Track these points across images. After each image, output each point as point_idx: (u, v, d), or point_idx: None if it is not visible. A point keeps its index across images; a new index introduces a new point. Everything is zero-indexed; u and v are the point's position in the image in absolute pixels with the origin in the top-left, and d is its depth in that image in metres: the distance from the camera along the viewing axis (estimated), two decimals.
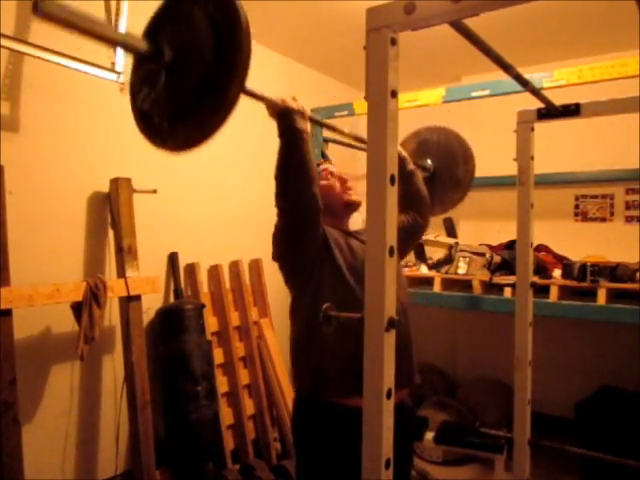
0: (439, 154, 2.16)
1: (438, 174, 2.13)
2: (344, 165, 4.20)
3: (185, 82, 1.09)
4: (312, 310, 1.52)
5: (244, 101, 3.74)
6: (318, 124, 1.68)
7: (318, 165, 1.79)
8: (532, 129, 1.82)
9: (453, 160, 2.14)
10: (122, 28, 2.56)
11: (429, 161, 2.13)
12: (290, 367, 1.72)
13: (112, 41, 1.49)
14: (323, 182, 1.70)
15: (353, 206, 1.75)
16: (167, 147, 1.21)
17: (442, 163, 2.14)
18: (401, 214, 1.80)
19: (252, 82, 3.72)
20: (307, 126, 1.51)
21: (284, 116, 1.49)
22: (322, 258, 1.56)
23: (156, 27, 1.16)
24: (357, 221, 2.03)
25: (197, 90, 1.07)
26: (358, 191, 1.71)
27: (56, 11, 0.89)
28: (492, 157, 3.14)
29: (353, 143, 2.02)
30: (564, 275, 2.94)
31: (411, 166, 1.87)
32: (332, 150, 4.03)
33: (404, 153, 1.87)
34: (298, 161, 1.47)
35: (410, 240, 1.83)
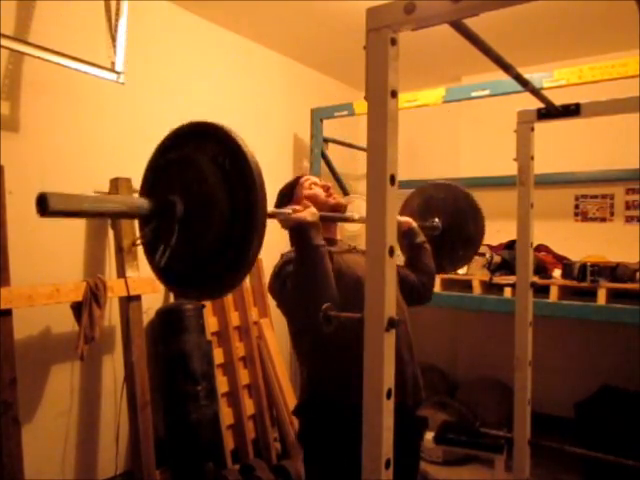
0: (446, 211, 2.11)
1: (447, 232, 2.08)
2: (344, 165, 4.23)
3: (201, 237, 1.02)
4: (322, 347, 1.52)
5: (246, 100, 3.72)
6: (331, 219, 1.67)
7: (298, 178, 1.80)
8: (532, 129, 1.82)
9: (462, 217, 2.09)
10: (122, 28, 2.56)
11: (437, 220, 2.09)
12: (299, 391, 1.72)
13: (119, 215, 1.45)
14: (307, 192, 1.71)
15: (338, 209, 1.74)
16: (190, 297, 1.17)
17: (450, 221, 2.09)
18: (411, 273, 1.82)
19: (252, 82, 3.72)
20: (321, 238, 1.44)
21: (299, 232, 1.43)
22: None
23: (156, 179, 1.10)
24: (360, 208, 2.04)
25: (215, 245, 1.01)
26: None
27: (63, 206, 0.87)
28: (492, 157, 3.14)
29: (354, 144, 2.01)
30: (564, 275, 2.94)
31: (421, 238, 1.87)
32: (332, 150, 4.03)
33: (414, 224, 1.88)
34: (316, 278, 1.40)
35: (410, 298, 1.79)
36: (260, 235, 1.00)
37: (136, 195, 1.14)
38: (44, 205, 0.83)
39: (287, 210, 1.44)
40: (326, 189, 1.76)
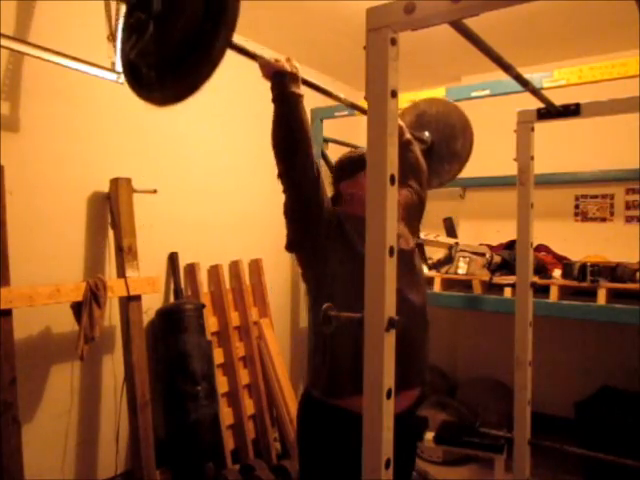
0: (437, 126, 2.14)
1: (436, 146, 2.12)
2: None
3: (172, 33, 1.08)
4: (329, 301, 1.50)
5: (246, 100, 3.73)
6: (312, 87, 1.66)
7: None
8: (532, 129, 1.82)
9: (451, 132, 2.13)
10: (121, 28, 2.56)
11: (427, 133, 2.11)
12: (305, 364, 1.70)
13: None
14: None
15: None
16: (153, 99, 1.20)
17: (440, 135, 2.13)
18: (403, 188, 1.80)
19: (252, 82, 3.71)
20: (301, 89, 1.51)
21: (278, 79, 1.50)
22: (338, 245, 1.52)
23: None
24: None
25: (184, 41, 1.07)
26: (353, 186, 1.70)
27: None
28: (492, 157, 3.14)
29: (354, 144, 2.01)
30: (564, 275, 2.94)
31: (408, 135, 1.88)
32: (332, 150, 4.03)
33: (401, 122, 1.86)
34: (294, 126, 1.47)
35: (418, 214, 1.83)
36: (229, 29, 1.07)
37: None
38: None
39: (270, 58, 1.51)
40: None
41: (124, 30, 1.21)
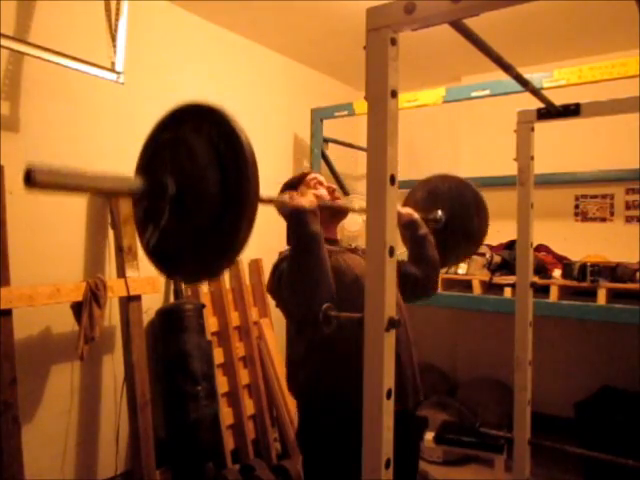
0: (451, 204, 2.07)
1: (450, 225, 2.04)
2: (344, 165, 4.23)
3: (191, 218, 1.01)
4: (320, 346, 1.51)
5: (246, 100, 3.71)
6: (330, 209, 1.66)
7: (305, 174, 1.78)
8: (532, 129, 1.82)
9: (466, 212, 2.05)
10: (122, 28, 2.56)
11: (439, 212, 2.04)
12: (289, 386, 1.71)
13: (109, 191, 1.45)
14: (312, 191, 1.67)
15: (340, 214, 1.74)
16: (175, 278, 1.18)
17: (454, 214, 2.05)
18: (412, 266, 1.79)
19: (252, 82, 3.72)
20: (318, 225, 1.40)
21: (295, 218, 1.39)
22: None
23: (150, 159, 1.10)
24: (354, 222, 2.02)
25: (205, 229, 1.00)
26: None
27: (48, 179, 0.83)
28: (492, 157, 3.14)
29: (354, 144, 2.01)
30: (564, 275, 2.94)
31: (423, 230, 1.83)
32: (332, 150, 4.03)
33: (416, 216, 1.84)
34: (313, 267, 1.37)
35: (412, 292, 1.78)
36: (250, 219, 0.99)
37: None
38: (31, 177, 0.80)
39: (284, 197, 1.43)
40: (331, 191, 1.73)
41: (139, 220, 1.14)
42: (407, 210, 1.85)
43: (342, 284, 1.48)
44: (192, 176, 1.00)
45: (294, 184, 1.75)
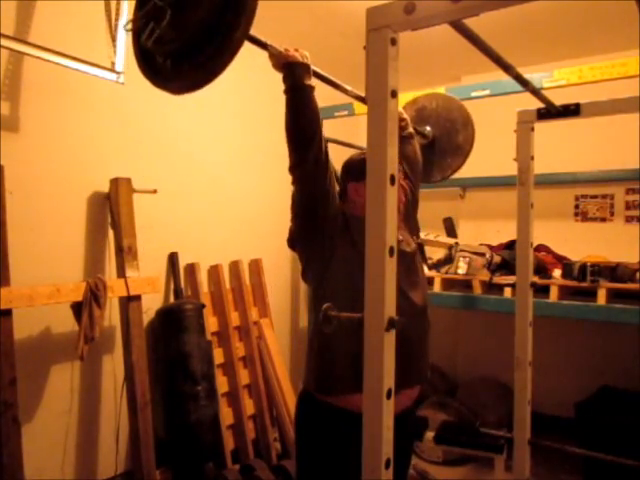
0: (438, 121, 2.16)
1: (437, 140, 2.13)
2: None
3: (191, 20, 1.06)
4: (330, 300, 1.50)
5: (246, 100, 3.72)
6: (322, 79, 1.67)
7: None
8: (532, 129, 1.82)
9: (452, 126, 2.15)
10: (122, 28, 2.56)
11: (428, 127, 2.12)
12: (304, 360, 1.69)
13: None
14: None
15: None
16: (169, 88, 1.18)
17: (441, 129, 2.14)
18: (403, 180, 1.79)
19: (252, 82, 3.72)
20: (312, 79, 1.50)
21: (291, 70, 1.47)
22: (341, 245, 1.52)
23: None
24: None
25: (202, 31, 1.05)
26: (360, 192, 1.69)
27: None
28: (492, 157, 3.14)
29: (354, 144, 2.02)
30: (564, 275, 2.94)
31: (410, 129, 1.89)
32: (332, 150, 4.02)
33: (405, 115, 1.89)
34: (308, 117, 1.47)
35: (414, 211, 1.83)
36: (248, 19, 1.04)
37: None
38: None
39: (280, 48, 1.48)
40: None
41: (137, 19, 1.18)
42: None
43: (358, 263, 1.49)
44: None
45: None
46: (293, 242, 1.62)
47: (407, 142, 1.86)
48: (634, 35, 2.77)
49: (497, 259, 3.24)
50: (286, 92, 1.48)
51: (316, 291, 1.61)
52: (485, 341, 3.99)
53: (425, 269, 3.46)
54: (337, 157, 4.69)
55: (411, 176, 1.85)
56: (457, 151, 2.15)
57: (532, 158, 1.82)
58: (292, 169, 1.51)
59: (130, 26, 1.17)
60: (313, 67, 1.53)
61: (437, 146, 2.12)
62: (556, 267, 3.14)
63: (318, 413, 1.55)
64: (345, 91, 1.71)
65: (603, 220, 3.75)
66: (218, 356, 3.11)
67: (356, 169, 1.71)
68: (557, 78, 2.80)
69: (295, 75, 1.45)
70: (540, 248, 3.40)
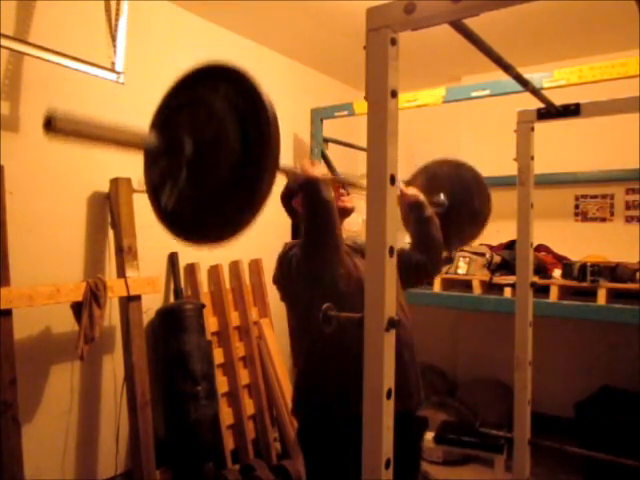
0: (451, 187, 2.08)
1: (453, 208, 2.05)
2: (344, 165, 4.23)
3: (209, 178, 0.99)
4: (318, 337, 1.49)
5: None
6: (340, 183, 1.65)
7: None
8: (532, 129, 1.82)
9: (467, 192, 2.06)
10: (122, 28, 2.56)
11: (442, 196, 2.05)
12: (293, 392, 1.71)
13: (125, 143, 1.41)
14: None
15: (346, 212, 1.72)
16: (195, 243, 1.13)
17: (456, 197, 2.06)
18: (416, 252, 1.79)
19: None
20: (331, 193, 1.45)
21: (308, 186, 1.43)
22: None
23: (167, 117, 1.07)
24: (355, 222, 2.02)
25: (224, 187, 0.98)
26: (354, 194, 1.70)
27: (67, 126, 0.83)
28: (492, 157, 3.14)
29: (354, 144, 2.00)
30: (564, 275, 2.94)
31: (429, 212, 1.82)
32: (332, 150, 4.03)
33: (422, 197, 1.83)
34: (325, 233, 1.42)
35: (416, 279, 1.79)
36: (272, 174, 0.97)
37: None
38: (51, 123, 0.80)
39: (296, 167, 1.45)
40: (336, 188, 1.71)
41: (153, 180, 1.10)
42: (412, 191, 1.83)
43: (348, 288, 1.48)
44: (210, 134, 0.99)
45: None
46: (281, 286, 1.61)
47: (426, 227, 1.81)
48: (634, 35, 2.77)
49: (497, 259, 3.24)
50: (304, 206, 1.45)
51: (300, 322, 1.61)
52: (485, 341, 3.99)
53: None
54: (337, 157, 4.71)
55: (422, 257, 1.80)
56: (474, 217, 2.07)
57: (532, 158, 1.82)
58: (305, 263, 1.46)
59: (144, 184, 1.10)
60: (332, 177, 1.51)
61: (453, 213, 2.04)
62: (556, 267, 3.14)
63: (329, 423, 1.56)
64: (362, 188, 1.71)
65: (603, 220, 3.75)
66: (218, 356, 3.11)
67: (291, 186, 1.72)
68: (557, 78, 2.80)
69: (314, 193, 1.41)
70: (540, 248, 3.40)
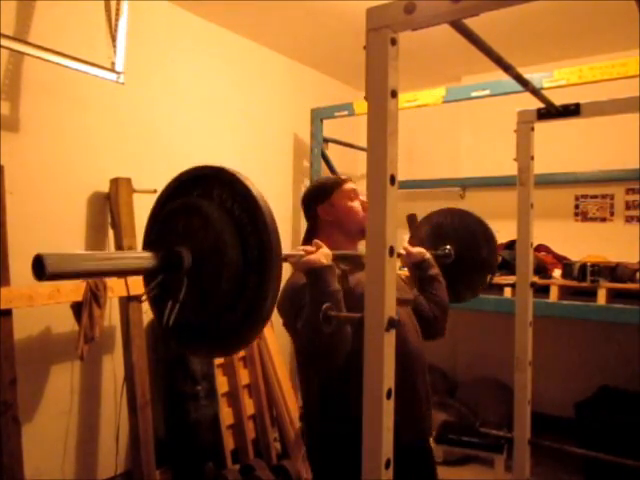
0: (457, 237, 2.03)
1: (460, 258, 2.01)
2: (344, 165, 4.23)
3: (212, 288, 0.95)
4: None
5: (246, 101, 3.70)
6: (344, 260, 1.56)
7: (341, 181, 1.69)
8: (532, 129, 1.82)
9: (474, 241, 2.01)
10: (122, 28, 2.56)
11: (448, 247, 2.01)
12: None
13: (124, 273, 1.36)
14: (349, 203, 1.63)
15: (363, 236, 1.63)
16: (200, 355, 1.11)
17: (462, 246, 2.02)
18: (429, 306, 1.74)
19: (252, 82, 3.73)
20: (336, 280, 1.35)
21: (314, 276, 1.33)
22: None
23: (162, 232, 1.03)
24: None
25: (226, 299, 0.95)
26: (359, 191, 1.68)
27: (60, 269, 0.78)
28: (492, 157, 3.14)
29: (354, 144, 1.97)
30: (564, 275, 2.94)
31: (434, 271, 1.78)
32: (332, 150, 4.03)
33: (427, 255, 1.79)
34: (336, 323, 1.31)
35: (427, 335, 1.72)
36: (276, 283, 0.94)
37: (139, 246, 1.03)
38: (41, 268, 0.75)
39: (299, 252, 1.35)
40: (365, 208, 1.67)
41: (155, 297, 1.06)
42: (418, 249, 1.80)
43: (353, 303, 1.38)
44: (208, 243, 0.95)
45: (328, 190, 1.66)
46: (292, 332, 1.50)
47: (431, 286, 1.75)
48: (634, 35, 2.77)
49: (497, 259, 3.23)
50: (310, 294, 1.33)
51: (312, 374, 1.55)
52: (485, 341, 3.99)
53: None
54: (337, 157, 4.71)
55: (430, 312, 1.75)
56: (483, 266, 2.03)
57: (532, 158, 1.82)
58: (312, 348, 1.37)
59: (145, 298, 1.06)
60: (335, 252, 1.40)
61: (461, 264, 2.00)
62: (556, 267, 3.14)
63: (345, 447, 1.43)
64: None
65: (603, 220, 3.75)
66: None
67: (319, 191, 1.68)
68: (557, 78, 2.80)
69: (320, 281, 1.31)
70: (540, 248, 3.40)
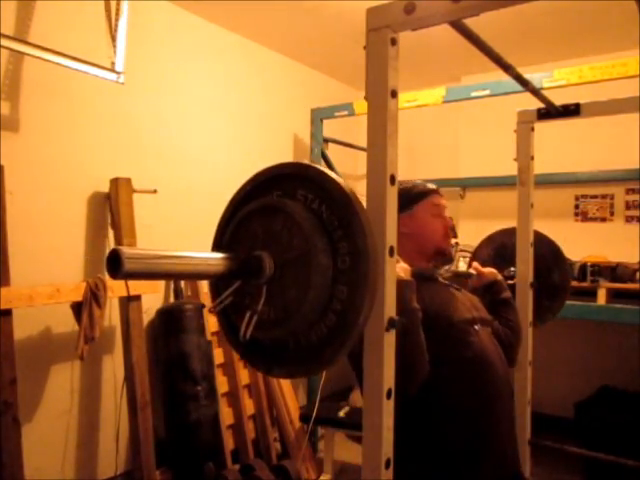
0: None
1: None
2: (344, 165, 4.23)
3: (297, 298, 0.85)
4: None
5: (246, 101, 3.70)
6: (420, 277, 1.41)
7: (428, 191, 1.52)
8: (532, 129, 1.82)
9: (543, 264, 1.85)
10: (122, 28, 2.56)
11: (513, 269, 1.86)
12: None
13: (199, 276, 1.23)
14: (431, 219, 1.49)
15: (444, 256, 1.53)
16: (273, 374, 0.96)
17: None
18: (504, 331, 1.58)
19: (252, 82, 3.72)
20: (415, 298, 1.26)
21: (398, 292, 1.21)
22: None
23: (237, 233, 0.95)
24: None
25: (313, 311, 0.85)
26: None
27: (137, 267, 0.73)
28: (492, 157, 3.14)
29: (354, 144, 1.93)
30: None
31: (507, 293, 1.62)
32: (332, 150, 4.03)
33: (499, 277, 1.64)
34: (410, 345, 1.21)
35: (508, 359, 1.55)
36: (372, 296, 0.83)
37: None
38: (117, 265, 0.70)
39: None
40: (449, 227, 1.50)
41: (223, 313, 0.97)
42: (490, 270, 1.65)
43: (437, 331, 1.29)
44: (294, 250, 0.85)
45: (412, 199, 1.50)
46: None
47: (504, 311, 1.59)
48: (634, 35, 2.77)
49: None
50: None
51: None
52: None
53: None
54: (337, 157, 4.71)
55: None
56: (554, 291, 1.89)
57: (532, 158, 1.82)
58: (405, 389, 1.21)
59: (216, 307, 0.93)
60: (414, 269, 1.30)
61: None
62: None
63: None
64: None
65: (603, 220, 3.75)
66: (218, 356, 3.11)
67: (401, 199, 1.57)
68: (557, 78, 2.80)
69: (399, 299, 1.14)
70: None
